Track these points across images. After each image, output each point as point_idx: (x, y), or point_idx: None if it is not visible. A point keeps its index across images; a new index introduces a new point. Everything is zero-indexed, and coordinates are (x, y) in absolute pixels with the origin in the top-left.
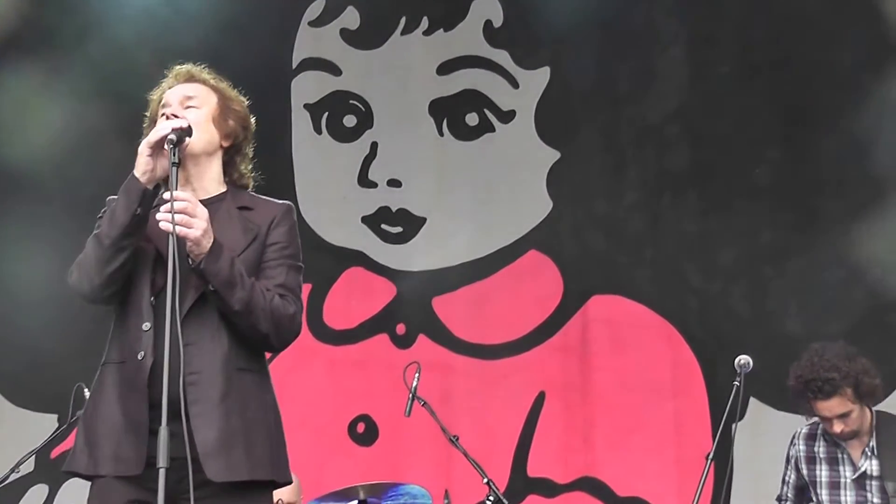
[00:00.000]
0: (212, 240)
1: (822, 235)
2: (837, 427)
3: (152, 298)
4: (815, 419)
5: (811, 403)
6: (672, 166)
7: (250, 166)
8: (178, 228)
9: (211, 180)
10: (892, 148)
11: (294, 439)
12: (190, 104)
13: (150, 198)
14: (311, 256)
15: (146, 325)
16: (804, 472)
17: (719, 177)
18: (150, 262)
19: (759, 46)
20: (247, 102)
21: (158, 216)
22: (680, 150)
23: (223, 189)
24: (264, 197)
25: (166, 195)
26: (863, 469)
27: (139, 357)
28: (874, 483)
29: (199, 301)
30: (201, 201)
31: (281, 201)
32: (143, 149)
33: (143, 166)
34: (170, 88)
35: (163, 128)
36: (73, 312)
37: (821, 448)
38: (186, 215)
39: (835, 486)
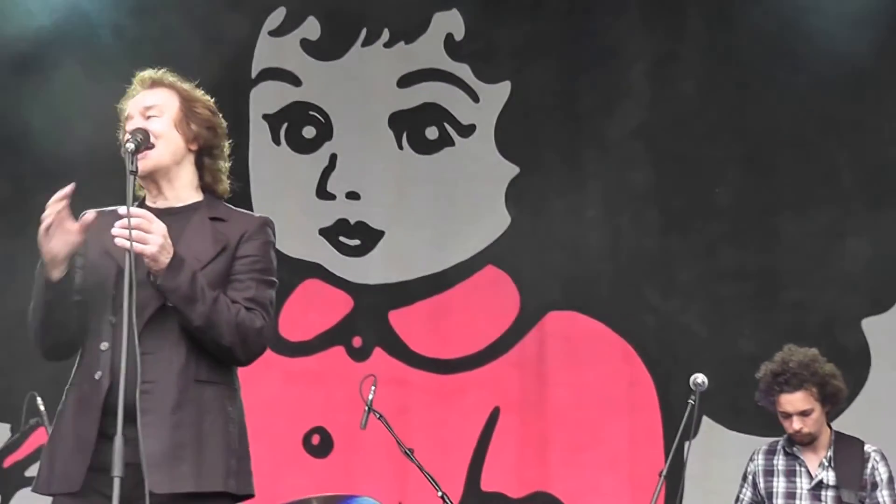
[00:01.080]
0: (171, 255)
1: (781, 256)
2: (797, 424)
3: (112, 317)
4: (776, 440)
5: (776, 398)
6: (632, 184)
7: (227, 165)
8: (133, 245)
9: (184, 188)
10: (853, 169)
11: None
12: (150, 114)
13: (60, 286)
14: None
15: (104, 345)
16: (761, 485)
17: (679, 195)
18: (112, 278)
19: (721, 66)
20: (212, 101)
21: (114, 231)
22: (641, 167)
23: (199, 197)
24: (242, 210)
25: (122, 209)
26: (819, 478)
27: (96, 377)
28: (829, 493)
29: (160, 312)
30: (174, 208)
31: (258, 215)
32: (40, 236)
33: (45, 256)
34: (134, 97)
35: (47, 214)
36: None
37: (780, 461)
38: (142, 231)
39: (791, 496)
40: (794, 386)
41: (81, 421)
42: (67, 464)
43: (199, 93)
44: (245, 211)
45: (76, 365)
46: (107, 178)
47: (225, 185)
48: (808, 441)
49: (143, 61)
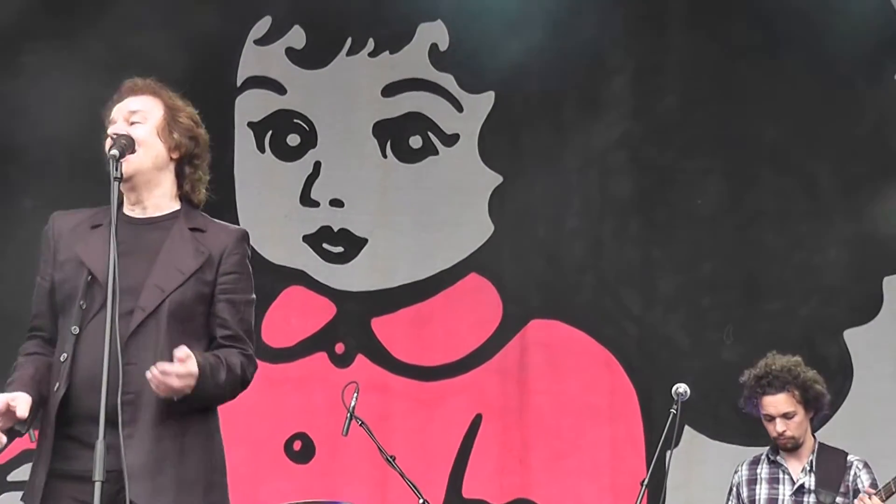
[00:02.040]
0: (195, 377)
1: (762, 267)
2: (780, 426)
3: (74, 328)
4: (761, 451)
5: (759, 400)
6: (615, 194)
7: (206, 177)
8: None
9: (162, 196)
10: (833, 181)
11: (230, 456)
12: (134, 119)
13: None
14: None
15: (63, 356)
16: (744, 494)
17: (661, 206)
18: (81, 288)
19: (703, 78)
20: (196, 112)
21: (149, 375)
22: (623, 177)
23: (176, 206)
24: (218, 221)
25: (96, 215)
26: (800, 483)
27: (55, 389)
28: (811, 498)
29: (141, 325)
30: (153, 217)
31: (235, 227)
32: None
33: None
34: (118, 103)
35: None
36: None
37: (763, 469)
38: (183, 379)
39: (773, 502)
40: (777, 388)
41: (45, 433)
42: (33, 476)
43: (184, 103)
44: (221, 222)
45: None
46: (86, 180)
47: (202, 194)
48: (792, 446)
49: (128, 70)
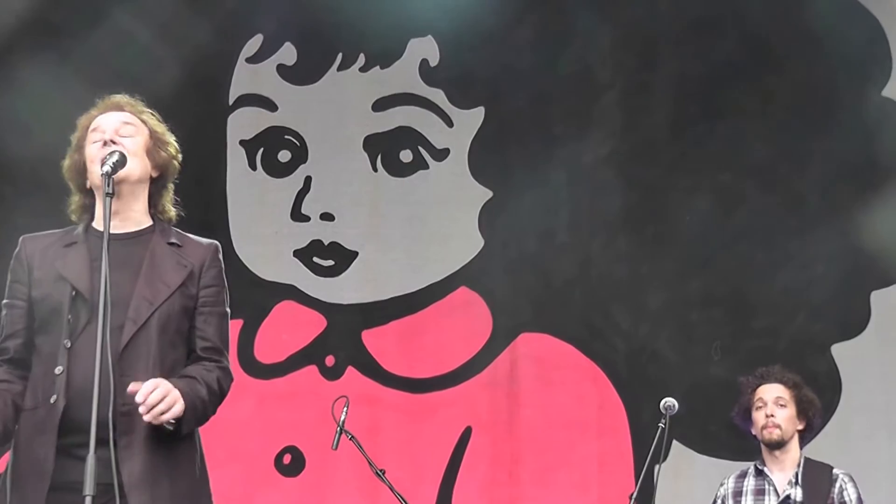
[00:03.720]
0: (184, 404)
1: (749, 283)
2: (770, 410)
3: (66, 341)
4: (748, 465)
5: (754, 391)
6: (604, 209)
7: (171, 199)
8: (163, 417)
9: (139, 211)
10: (820, 197)
11: (222, 470)
12: (125, 132)
13: None
14: (244, 292)
15: (59, 369)
16: None
17: (650, 222)
18: (66, 303)
19: (691, 96)
20: (174, 138)
21: (143, 410)
22: (612, 193)
23: (150, 221)
24: (190, 235)
25: (64, 235)
26: (786, 494)
27: (51, 401)
28: None
29: (133, 337)
30: (131, 233)
31: (208, 241)
32: None
33: None
34: (101, 114)
35: None
36: None
37: (749, 482)
38: (168, 404)
39: None
40: (775, 379)
41: (39, 445)
42: (25, 488)
43: (163, 126)
44: (193, 236)
45: (27, 391)
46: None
47: (172, 212)
48: (778, 438)
49: (120, 88)
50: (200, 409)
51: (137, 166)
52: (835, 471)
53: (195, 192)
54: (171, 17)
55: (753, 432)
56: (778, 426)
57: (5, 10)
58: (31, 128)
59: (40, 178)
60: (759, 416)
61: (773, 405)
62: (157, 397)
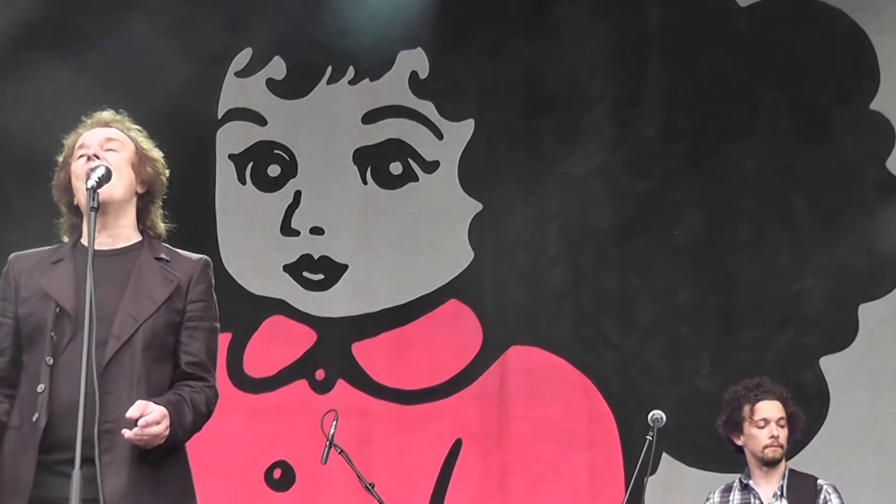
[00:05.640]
0: (169, 425)
1: (738, 296)
2: (775, 430)
3: (49, 358)
4: (733, 479)
5: (754, 406)
6: (594, 222)
7: (161, 215)
8: (144, 440)
9: (126, 227)
10: (809, 210)
11: (211, 486)
12: (110, 147)
13: None
14: (233, 306)
15: (41, 387)
16: None
17: (639, 235)
18: (50, 320)
19: (680, 109)
20: (161, 155)
21: (127, 434)
22: (602, 206)
23: (138, 237)
24: (179, 250)
25: (54, 254)
26: None
27: (34, 419)
28: None
29: (116, 354)
30: (119, 249)
31: (197, 256)
32: None
33: None
34: (88, 131)
35: None
36: None
37: (735, 496)
38: (154, 429)
39: None
40: (773, 395)
41: (20, 463)
42: None
43: (150, 143)
44: (183, 252)
45: (13, 409)
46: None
47: (161, 228)
48: (779, 457)
49: (109, 103)
50: (180, 437)
51: (120, 183)
52: (819, 482)
53: (183, 206)
54: (161, 31)
55: (740, 444)
56: (781, 446)
57: None
58: (19, 144)
59: (26, 197)
60: (760, 435)
61: (776, 425)
62: (152, 431)
